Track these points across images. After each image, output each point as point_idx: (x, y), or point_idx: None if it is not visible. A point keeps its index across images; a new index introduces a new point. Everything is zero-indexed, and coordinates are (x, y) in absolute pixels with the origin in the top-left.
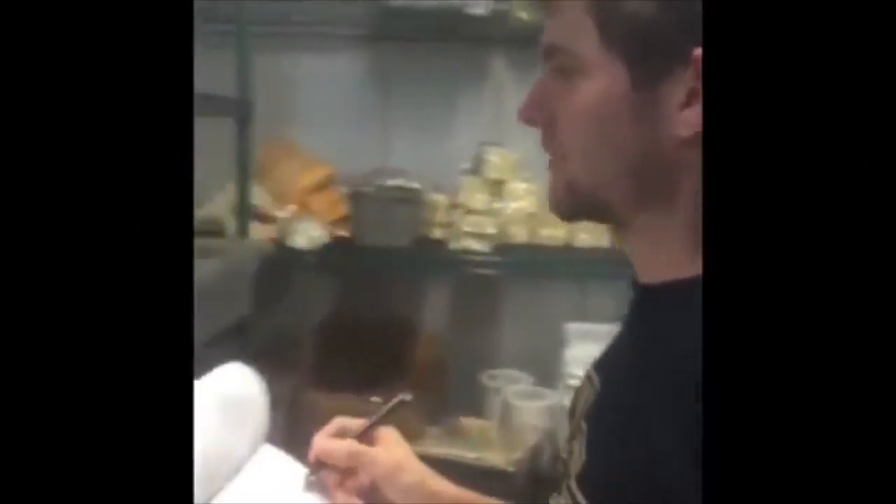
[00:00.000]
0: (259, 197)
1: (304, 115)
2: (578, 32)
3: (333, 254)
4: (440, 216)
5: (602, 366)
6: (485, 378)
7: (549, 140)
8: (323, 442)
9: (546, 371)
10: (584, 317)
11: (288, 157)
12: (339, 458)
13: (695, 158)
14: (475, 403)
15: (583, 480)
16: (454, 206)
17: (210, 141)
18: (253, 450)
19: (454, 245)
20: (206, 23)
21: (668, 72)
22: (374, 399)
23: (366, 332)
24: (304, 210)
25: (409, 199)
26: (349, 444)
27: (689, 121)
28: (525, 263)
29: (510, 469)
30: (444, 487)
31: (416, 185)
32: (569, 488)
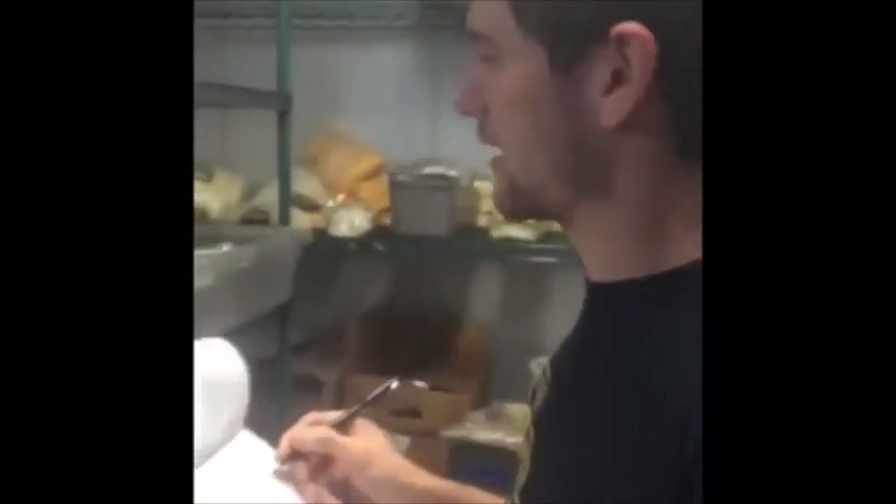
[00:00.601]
0: (309, 186)
1: (354, 106)
2: (495, 16)
3: (378, 242)
4: (485, 204)
5: (555, 362)
6: (532, 366)
7: (484, 132)
8: (294, 430)
9: None
10: None
11: (338, 147)
12: (308, 445)
13: (628, 149)
14: (522, 391)
15: (526, 495)
16: None
17: (258, 134)
18: (229, 436)
19: (496, 233)
20: (245, 17)
21: (584, 53)
22: (419, 384)
23: (411, 318)
24: (353, 199)
25: (447, 188)
26: (320, 431)
27: (612, 107)
28: (568, 251)
29: None
30: (420, 480)
31: (453, 173)
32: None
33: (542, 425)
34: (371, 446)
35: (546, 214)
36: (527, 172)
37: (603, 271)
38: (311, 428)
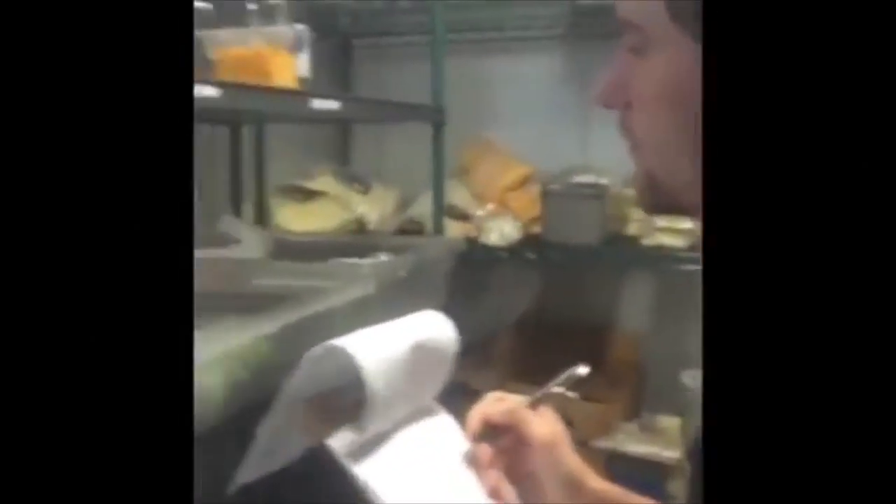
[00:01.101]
0: (460, 197)
1: (505, 116)
2: (647, 5)
3: (528, 250)
4: (636, 213)
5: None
6: (686, 377)
7: (625, 125)
8: (483, 405)
9: None
10: None
11: (489, 157)
12: (498, 417)
13: None
14: (675, 403)
15: None
16: None
17: (413, 146)
18: (430, 398)
19: (647, 241)
20: (399, 35)
21: None
22: (570, 393)
23: (561, 327)
24: (503, 208)
25: (598, 196)
26: (511, 403)
27: None
28: None
29: None
30: (593, 480)
31: (604, 181)
32: None
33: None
34: (556, 433)
35: (687, 211)
36: (669, 168)
37: None
38: (501, 402)
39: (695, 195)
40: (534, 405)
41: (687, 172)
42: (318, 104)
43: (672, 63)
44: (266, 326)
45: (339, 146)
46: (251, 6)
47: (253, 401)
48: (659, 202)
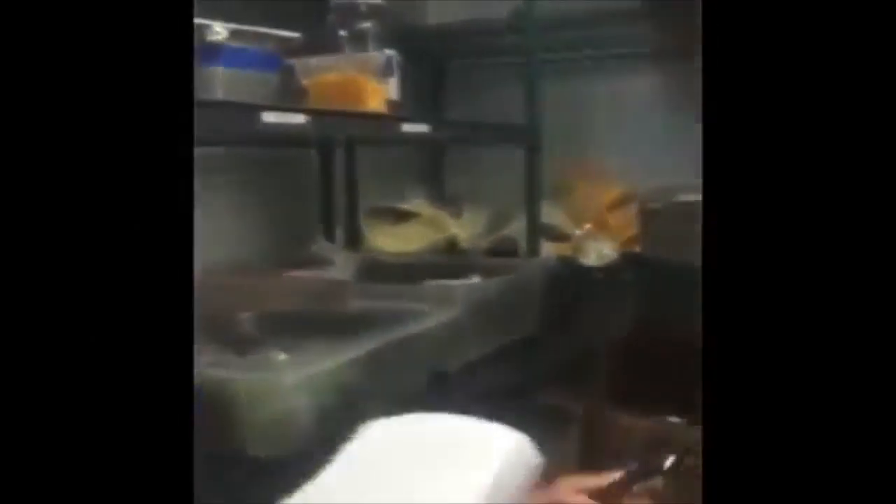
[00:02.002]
0: (557, 217)
1: (603, 135)
2: None
3: (627, 270)
4: None
5: None
6: None
7: None
8: (565, 492)
9: None
10: None
11: (588, 176)
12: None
13: None
14: None
15: None
16: None
17: (508, 166)
18: None
19: None
20: (492, 56)
21: None
22: (673, 419)
23: (668, 349)
24: (601, 228)
25: (699, 214)
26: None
27: None
28: None
29: None
30: None
31: None
32: None
33: None
34: None
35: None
36: None
37: None
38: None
39: None
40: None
41: None
42: (407, 128)
43: None
44: (354, 350)
45: (433, 169)
46: (342, 33)
47: (342, 425)
48: None
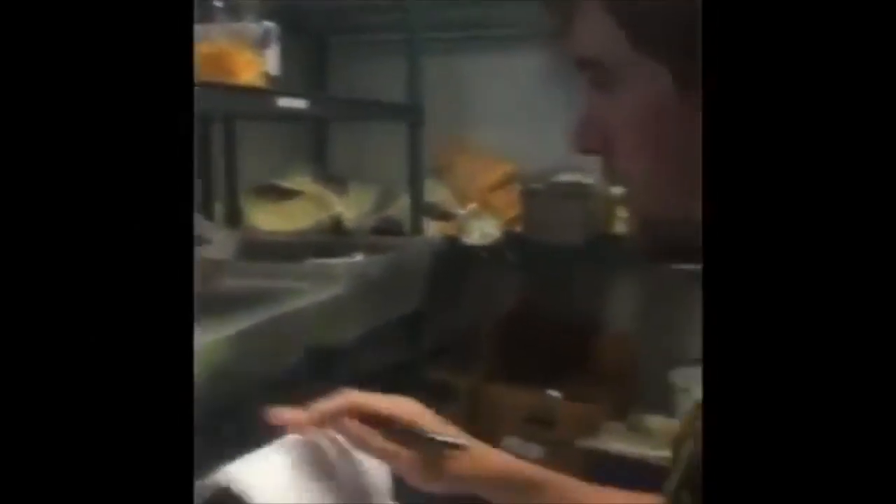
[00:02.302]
0: (441, 196)
1: (486, 114)
2: (604, 37)
3: (510, 250)
4: (621, 211)
5: None
6: (675, 376)
7: (609, 168)
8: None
9: None
10: None
11: (470, 156)
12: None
13: None
14: (665, 402)
15: None
16: None
17: (392, 145)
18: None
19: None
20: (375, 32)
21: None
22: (553, 393)
23: (546, 327)
24: (485, 208)
25: (582, 195)
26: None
27: None
28: None
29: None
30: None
31: (589, 180)
32: None
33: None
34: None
35: (695, 252)
36: (664, 207)
37: None
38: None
39: (698, 237)
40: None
41: (685, 212)
42: (285, 102)
43: (646, 94)
44: (225, 329)
45: (316, 145)
46: (217, 3)
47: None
48: (662, 245)
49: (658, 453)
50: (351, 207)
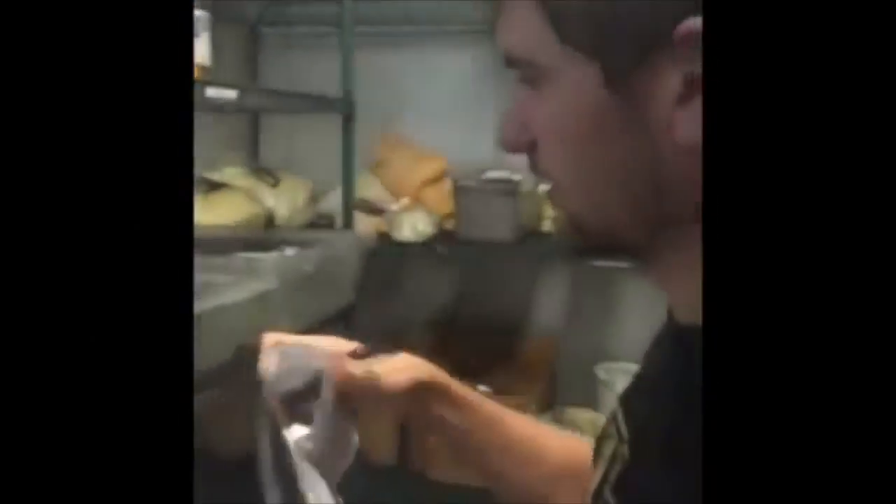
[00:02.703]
0: (374, 191)
1: (419, 110)
2: (530, 33)
3: (442, 246)
4: (549, 209)
5: (633, 416)
6: (599, 371)
7: (537, 167)
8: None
9: None
10: None
11: (404, 151)
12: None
13: (682, 166)
14: (589, 397)
15: None
16: None
17: (325, 139)
18: None
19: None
20: (309, 25)
21: (644, 61)
22: (482, 388)
23: (475, 323)
24: (418, 203)
25: (511, 193)
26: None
27: (689, 120)
28: None
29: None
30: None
31: (518, 177)
32: None
33: (622, 487)
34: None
35: (620, 251)
36: (592, 207)
37: (694, 313)
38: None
39: (626, 228)
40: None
41: (612, 205)
42: (215, 93)
43: (574, 91)
44: None
45: (248, 138)
46: None
47: None
48: (589, 244)
49: None
50: (283, 201)
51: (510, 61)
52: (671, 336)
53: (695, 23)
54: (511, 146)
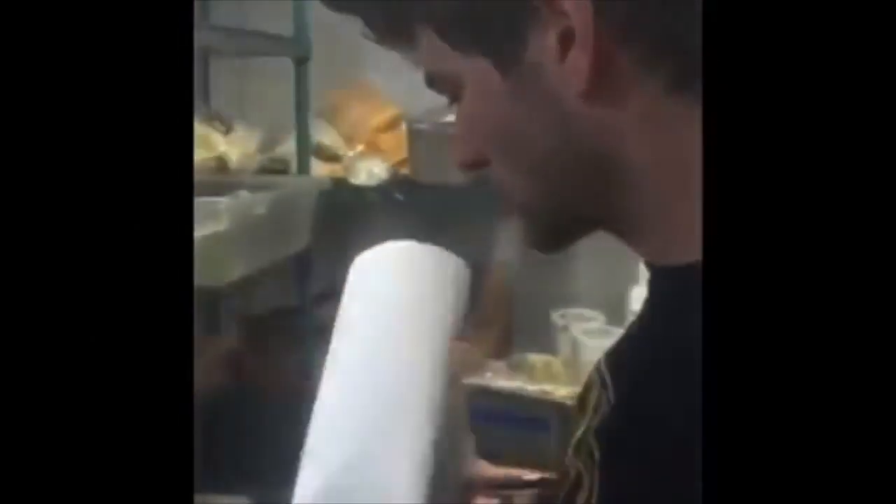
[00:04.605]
0: (329, 137)
1: (373, 56)
2: (430, 49)
3: (398, 191)
4: None
5: (617, 365)
6: (555, 316)
7: (491, 179)
8: None
9: (618, 310)
10: None
11: (359, 98)
12: None
13: (628, 115)
14: (545, 342)
15: None
16: None
17: (278, 84)
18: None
19: None
20: None
21: (524, 37)
22: None
23: None
24: (373, 150)
25: None
26: None
27: (574, 69)
28: None
29: (569, 402)
30: None
31: None
32: None
33: (609, 446)
34: None
35: (587, 229)
36: (541, 199)
37: (668, 252)
38: None
39: (584, 205)
40: None
41: (559, 185)
42: None
43: (480, 91)
44: None
45: (198, 82)
46: None
47: None
48: (555, 237)
49: (535, 387)
50: (236, 147)
51: (427, 82)
52: (653, 282)
53: None
54: (465, 164)
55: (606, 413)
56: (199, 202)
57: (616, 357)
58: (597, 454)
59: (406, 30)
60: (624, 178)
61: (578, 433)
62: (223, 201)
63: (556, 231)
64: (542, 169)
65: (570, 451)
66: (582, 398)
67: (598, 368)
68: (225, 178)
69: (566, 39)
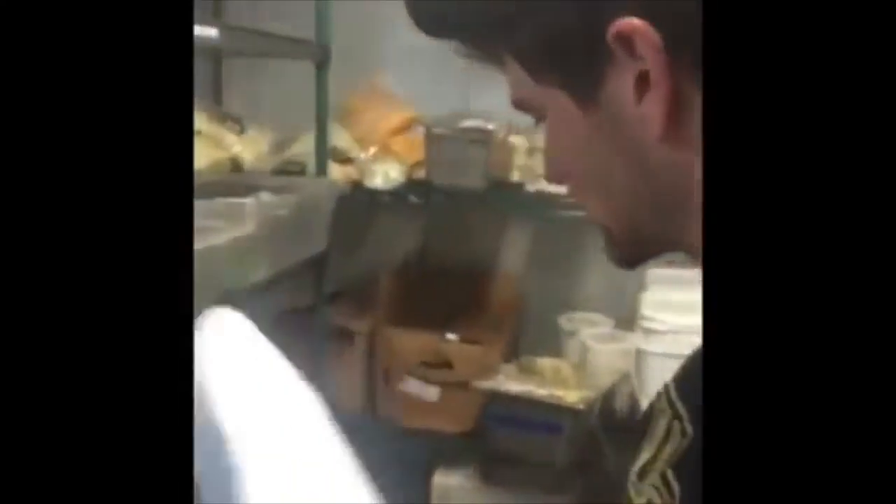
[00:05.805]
0: (343, 139)
1: (389, 59)
2: (516, 80)
3: (413, 194)
4: (519, 159)
5: (689, 393)
6: (563, 320)
7: (577, 199)
8: None
9: (625, 315)
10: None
11: (374, 100)
12: None
13: (682, 156)
14: (553, 346)
15: None
16: (533, 149)
17: (292, 85)
18: None
19: (530, 187)
20: None
21: (602, 76)
22: (450, 336)
23: (443, 271)
24: (386, 152)
25: (483, 141)
26: None
27: (650, 114)
28: None
29: (580, 407)
30: None
31: (490, 126)
32: None
33: (691, 474)
34: None
35: (665, 250)
36: (620, 221)
37: None
38: None
39: (658, 230)
40: None
41: (636, 213)
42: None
43: (560, 122)
44: None
45: (212, 82)
46: None
47: None
48: (633, 254)
49: (546, 391)
50: (249, 148)
51: (516, 105)
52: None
53: (626, 23)
54: (550, 180)
55: (685, 447)
56: (224, 203)
57: (688, 383)
58: (676, 487)
59: (495, 56)
60: (700, 206)
61: (641, 461)
62: (247, 203)
63: (633, 250)
64: (619, 196)
65: (632, 475)
66: (645, 426)
67: (667, 396)
68: (241, 179)
69: (642, 83)
